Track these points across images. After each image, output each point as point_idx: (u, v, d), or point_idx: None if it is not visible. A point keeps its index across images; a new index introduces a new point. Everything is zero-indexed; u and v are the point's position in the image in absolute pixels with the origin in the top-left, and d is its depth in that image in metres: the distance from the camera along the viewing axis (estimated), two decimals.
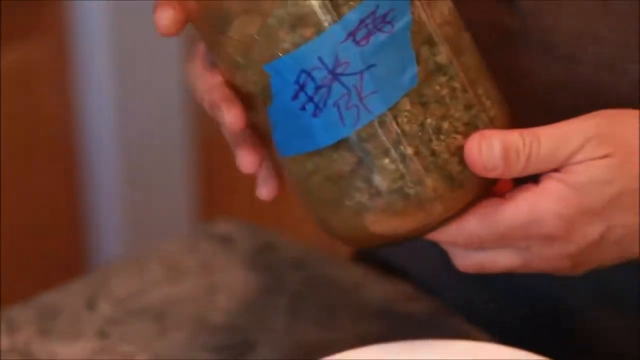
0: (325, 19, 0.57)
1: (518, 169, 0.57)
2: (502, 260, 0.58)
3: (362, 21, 0.57)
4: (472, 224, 0.58)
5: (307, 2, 0.57)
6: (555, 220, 0.56)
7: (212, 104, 0.58)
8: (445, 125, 0.59)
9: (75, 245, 1.54)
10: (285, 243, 0.88)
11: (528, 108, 0.71)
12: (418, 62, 0.59)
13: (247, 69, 0.59)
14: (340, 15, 0.57)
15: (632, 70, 0.65)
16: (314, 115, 0.58)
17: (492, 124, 0.61)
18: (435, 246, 0.85)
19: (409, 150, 0.59)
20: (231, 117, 0.58)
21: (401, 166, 0.59)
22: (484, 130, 0.58)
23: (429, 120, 0.59)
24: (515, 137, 0.57)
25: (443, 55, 0.60)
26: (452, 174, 0.60)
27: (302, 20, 0.58)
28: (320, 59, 0.57)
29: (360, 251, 0.92)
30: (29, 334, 0.74)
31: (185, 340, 0.74)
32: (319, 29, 0.57)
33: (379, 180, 0.59)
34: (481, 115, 0.61)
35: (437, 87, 0.59)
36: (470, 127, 0.60)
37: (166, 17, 0.57)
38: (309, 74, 0.58)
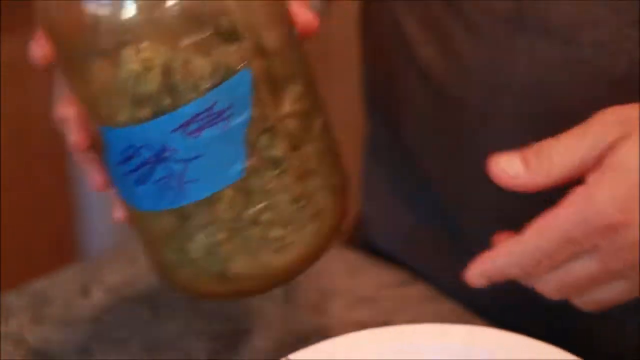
0: (163, 105, 0.58)
1: (543, 169, 0.57)
2: (578, 270, 0.57)
3: (197, 115, 0.58)
4: (531, 240, 0.57)
5: (150, 86, 0.57)
6: (610, 206, 0.55)
7: (61, 124, 0.61)
8: (266, 216, 0.60)
9: (70, 232, 1.55)
10: None
11: (527, 92, 0.71)
12: (252, 153, 0.59)
13: (89, 116, 0.60)
14: (176, 105, 0.57)
15: (630, 50, 0.65)
16: (136, 184, 0.59)
17: (318, 218, 0.62)
18: (428, 231, 0.85)
19: (221, 235, 0.60)
20: (74, 141, 0.60)
21: (212, 245, 0.61)
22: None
23: (249, 210, 0.60)
24: (532, 145, 0.58)
25: (279, 149, 0.60)
26: (264, 262, 0.61)
27: (141, 99, 0.58)
28: (148, 141, 0.58)
29: (353, 238, 0.92)
30: (23, 321, 0.74)
31: (179, 328, 0.74)
32: (154, 113, 0.58)
33: (193, 250, 0.61)
34: (307, 210, 0.62)
35: (266, 180, 0.60)
36: (293, 220, 0.61)
37: (36, 51, 0.59)
38: (136, 150, 0.58)
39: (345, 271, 0.82)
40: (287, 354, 0.61)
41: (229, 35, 0.58)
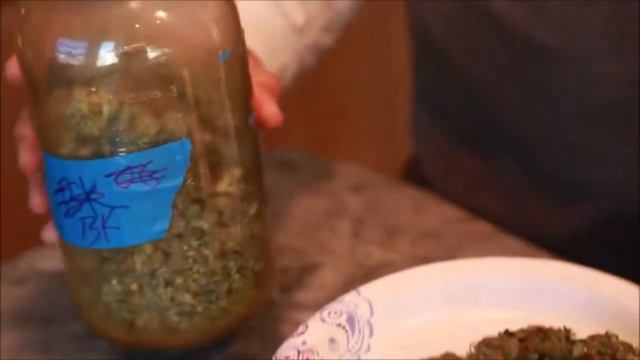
0: (101, 149, 0.59)
1: None
2: None
3: (129, 168, 0.59)
4: None
5: (92, 129, 0.59)
6: None
7: (18, 141, 0.63)
8: (179, 280, 0.62)
9: None
10: (344, 168, 0.90)
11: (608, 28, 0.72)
12: (179, 219, 0.61)
13: (39, 141, 0.62)
14: (113, 153, 0.59)
15: None
16: (65, 215, 0.61)
17: (229, 297, 0.63)
18: (491, 171, 0.86)
19: (133, 286, 0.62)
20: (24, 161, 0.63)
21: (124, 293, 0.63)
22: None
23: (163, 270, 0.61)
24: None
25: (206, 222, 0.62)
26: (169, 323, 0.63)
27: (84, 138, 0.59)
28: (80, 179, 0.60)
29: (412, 176, 0.94)
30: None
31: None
32: (92, 155, 0.59)
33: (105, 294, 0.63)
34: (220, 286, 0.63)
35: (186, 247, 0.62)
36: (204, 292, 0.63)
37: (9, 71, 0.61)
38: (68, 184, 0.60)
39: (410, 208, 0.83)
40: (355, 287, 0.63)
41: (178, 103, 0.59)
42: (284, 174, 0.89)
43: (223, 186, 0.62)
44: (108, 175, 0.59)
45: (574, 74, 0.74)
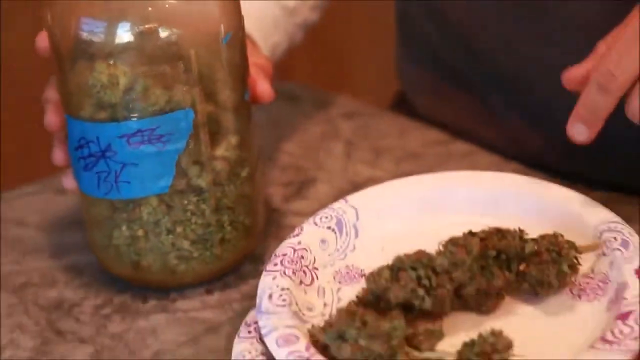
0: (116, 115, 0.64)
1: (610, 66, 0.62)
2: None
3: (139, 131, 0.64)
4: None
5: (110, 97, 0.64)
6: None
7: (45, 104, 0.69)
8: (179, 229, 0.67)
9: None
10: (340, 99, 0.95)
11: None
12: (181, 177, 0.66)
13: (63, 103, 0.67)
14: (127, 118, 0.64)
15: None
16: (83, 169, 0.66)
17: (221, 245, 0.68)
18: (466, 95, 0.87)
19: (140, 232, 0.67)
20: (49, 120, 0.69)
21: (131, 238, 0.68)
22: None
23: (165, 220, 0.67)
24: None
25: (204, 181, 0.66)
26: (169, 265, 0.68)
27: (102, 105, 0.64)
28: (97, 139, 0.65)
29: (400, 104, 0.98)
30: None
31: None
32: (109, 118, 0.64)
33: (116, 237, 0.68)
34: (214, 236, 0.68)
35: (186, 201, 0.67)
36: (200, 240, 0.68)
37: (39, 44, 0.67)
38: (87, 143, 0.65)
39: (396, 132, 0.88)
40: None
41: (184, 78, 0.64)
42: (288, 104, 0.94)
43: (220, 151, 0.67)
44: (121, 137, 0.64)
45: None
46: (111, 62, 0.63)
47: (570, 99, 0.66)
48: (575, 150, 0.69)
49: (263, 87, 0.71)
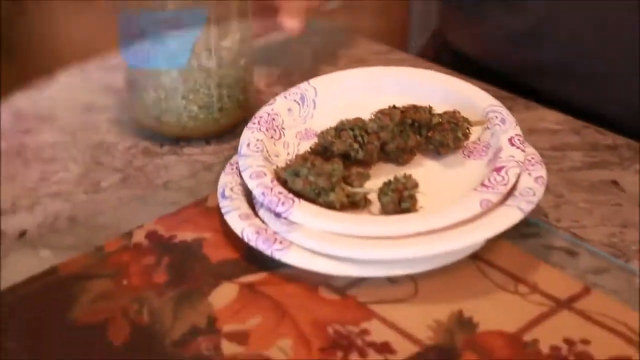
0: (166, 6, 0.73)
1: None
2: None
3: (172, 17, 0.74)
4: None
5: None
6: None
7: None
8: (191, 96, 0.78)
9: None
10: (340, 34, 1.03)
11: None
12: (196, 57, 0.75)
13: None
14: (165, 8, 0.73)
15: None
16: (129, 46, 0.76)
17: (221, 112, 0.79)
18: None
19: (163, 95, 0.78)
20: None
21: (156, 99, 0.78)
22: None
23: (182, 88, 0.78)
24: None
25: (211, 63, 0.78)
26: (182, 122, 0.78)
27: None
28: (155, 20, 0.74)
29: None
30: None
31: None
32: (160, 7, 0.73)
33: (146, 98, 0.78)
34: (216, 104, 0.79)
35: (198, 77, 0.78)
36: (205, 106, 0.78)
37: None
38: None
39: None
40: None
41: None
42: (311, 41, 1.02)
43: (226, 43, 0.78)
44: (157, 23, 0.76)
45: None
46: None
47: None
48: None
49: (294, 23, 0.80)
